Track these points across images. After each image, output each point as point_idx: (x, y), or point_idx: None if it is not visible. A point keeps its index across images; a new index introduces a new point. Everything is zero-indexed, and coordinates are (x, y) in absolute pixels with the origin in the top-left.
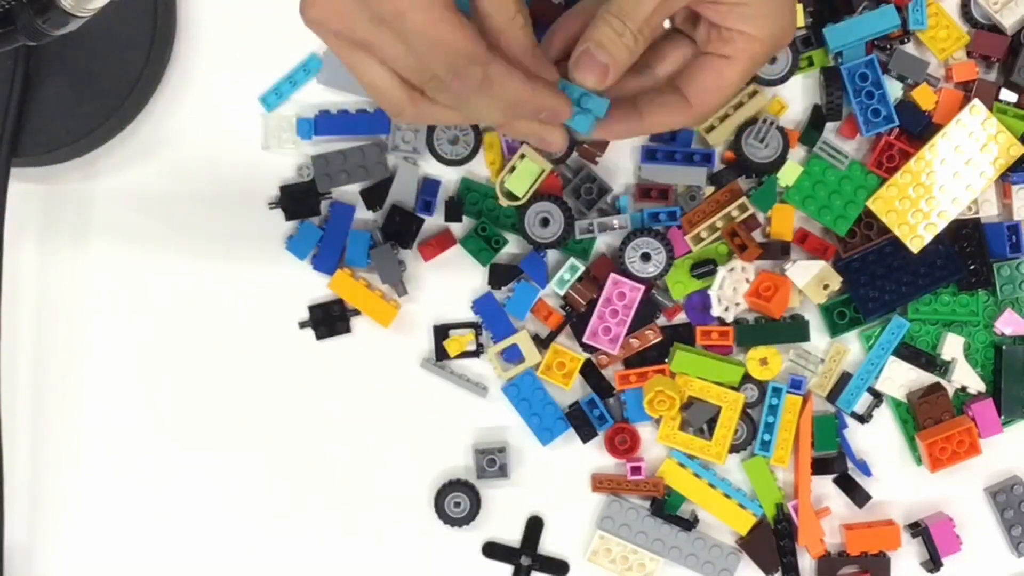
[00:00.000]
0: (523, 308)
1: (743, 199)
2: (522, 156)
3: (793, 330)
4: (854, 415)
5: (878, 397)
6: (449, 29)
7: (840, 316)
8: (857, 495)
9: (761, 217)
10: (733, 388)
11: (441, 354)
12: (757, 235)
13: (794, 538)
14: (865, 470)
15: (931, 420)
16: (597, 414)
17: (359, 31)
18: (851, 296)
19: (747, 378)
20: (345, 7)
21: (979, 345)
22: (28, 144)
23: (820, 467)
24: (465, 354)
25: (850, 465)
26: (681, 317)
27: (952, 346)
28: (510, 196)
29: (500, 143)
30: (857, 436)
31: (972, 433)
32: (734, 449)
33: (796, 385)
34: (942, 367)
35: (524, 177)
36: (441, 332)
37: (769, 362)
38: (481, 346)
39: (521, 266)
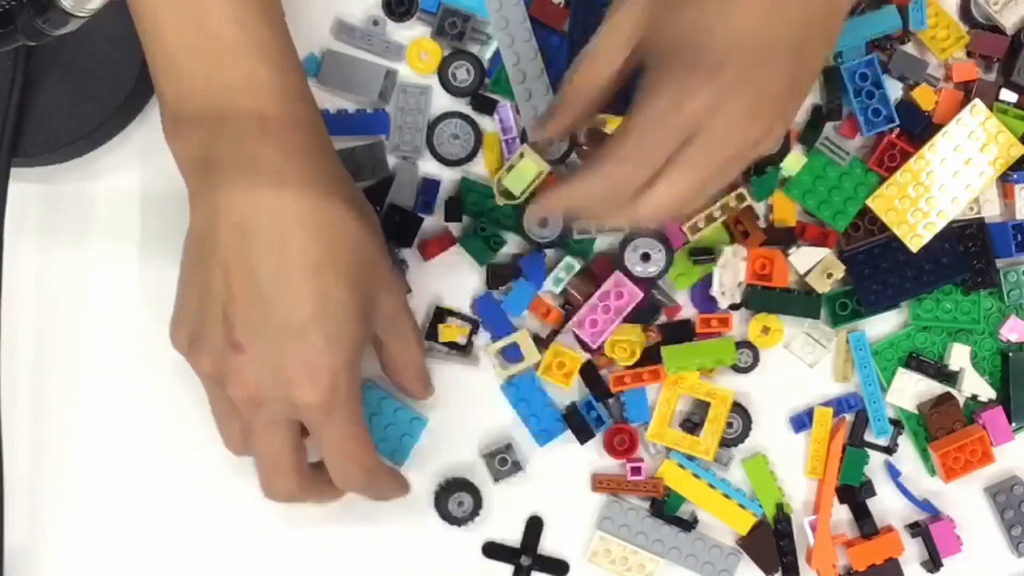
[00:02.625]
0: (520, 306)
1: (741, 189)
2: (521, 155)
3: (805, 303)
4: (880, 448)
5: (897, 425)
6: (359, 447)
7: (842, 307)
8: (866, 524)
9: (758, 207)
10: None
11: (431, 335)
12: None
13: (794, 538)
14: (931, 509)
15: (943, 430)
16: (594, 416)
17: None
18: (854, 288)
19: (745, 345)
20: (263, 383)
21: (985, 353)
22: (28, 144)
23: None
24: (455, 345)
25: (911, 506)
26: (681, 315)
27: (959, 355)
28: (507, 195)
29: (499, 143)
30: (874, 455)
31: (985, 442)
32: (731, 443)
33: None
34: (951, 377)
35: (522, 176)
36: (440, 315)
37: (771, 331)
38: (471, 344)
39: (520, 265)
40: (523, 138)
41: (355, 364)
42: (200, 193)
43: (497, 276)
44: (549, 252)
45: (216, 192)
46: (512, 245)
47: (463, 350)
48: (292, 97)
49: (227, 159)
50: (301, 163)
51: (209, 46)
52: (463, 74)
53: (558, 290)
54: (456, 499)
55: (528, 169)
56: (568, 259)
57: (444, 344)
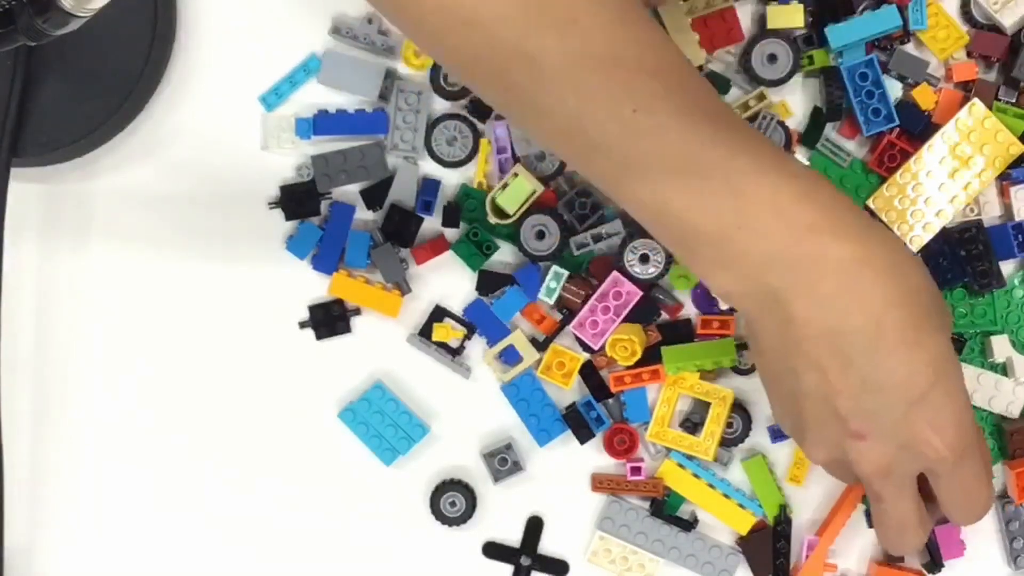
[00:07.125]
0: (509, 311)
1: None
2: (515, 175)
3: None
4: None
5: None
6: (986, 480)
7: None
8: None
9: None
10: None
11: (426, 332)
12: None
13: (791, 540)
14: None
15: (1022, 450)
16: (594, 416)
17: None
18: None
19: (746, 346)
20: (889, 455)
21: (1022, 342)
22: (28, 144)
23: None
24: (446, 347)
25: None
26: (682, 314)
27: (1000, 347)
28: (500, 214)
29: (491, 147)
30: None
31: None
32: (731, 443)
33: None
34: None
35: (516, 195)
36: (439, 314)
37: None
38: (463, 347)
39: (515, 277)
40: (515, 157)
41: (968, 397)
42: (762, 314)
43: (489, 282)
44: (544, 265)
45: (786, 306)
46: (505, 252)
47: (455, 353)
48: (825, 189)
49: (787, 272)
50: (860, 242)
51: (762, 222)
52: None
53: (551, 301)
54: (448, 499)
55: (522, 187)
56: (555, 268)
57: (435, 344)
